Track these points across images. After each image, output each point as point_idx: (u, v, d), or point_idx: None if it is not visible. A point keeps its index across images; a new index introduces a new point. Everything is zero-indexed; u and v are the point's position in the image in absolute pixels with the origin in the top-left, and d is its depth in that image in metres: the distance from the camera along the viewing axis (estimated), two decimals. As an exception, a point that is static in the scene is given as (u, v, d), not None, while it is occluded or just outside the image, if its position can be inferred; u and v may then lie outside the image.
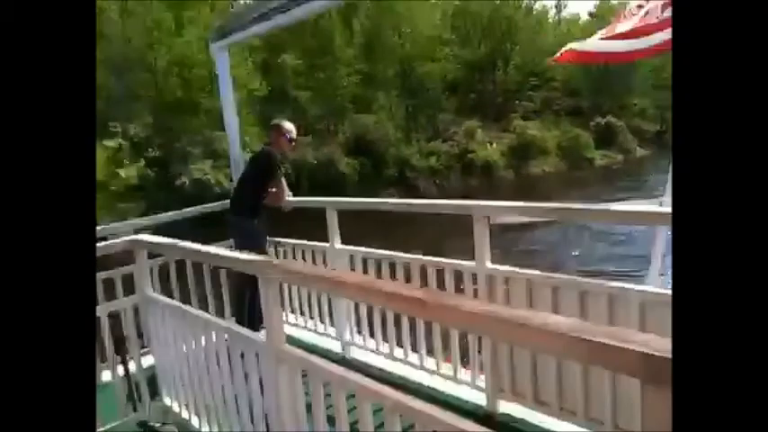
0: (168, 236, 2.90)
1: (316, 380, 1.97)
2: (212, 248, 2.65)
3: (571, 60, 4.45)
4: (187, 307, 2.91)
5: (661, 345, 0.97)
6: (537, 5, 48.62)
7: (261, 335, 2.28)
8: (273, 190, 4.50)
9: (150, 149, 27.43)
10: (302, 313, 4.64)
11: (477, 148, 35.56)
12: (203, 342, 2.69)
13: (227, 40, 4.72)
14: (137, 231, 3.75)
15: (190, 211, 4.94)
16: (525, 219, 3.30)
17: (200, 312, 2.82)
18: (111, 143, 25.91)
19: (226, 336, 2.53)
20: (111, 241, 3.13)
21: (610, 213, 2.82)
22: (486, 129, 37.16)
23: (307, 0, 3.73)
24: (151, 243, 3.04)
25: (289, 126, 4.61)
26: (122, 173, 25.25)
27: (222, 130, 21.77)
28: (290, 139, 4.60)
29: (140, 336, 3.16)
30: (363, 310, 3.96)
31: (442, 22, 40.63)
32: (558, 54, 4.45)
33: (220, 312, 4.69)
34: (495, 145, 36.36)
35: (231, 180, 4.85)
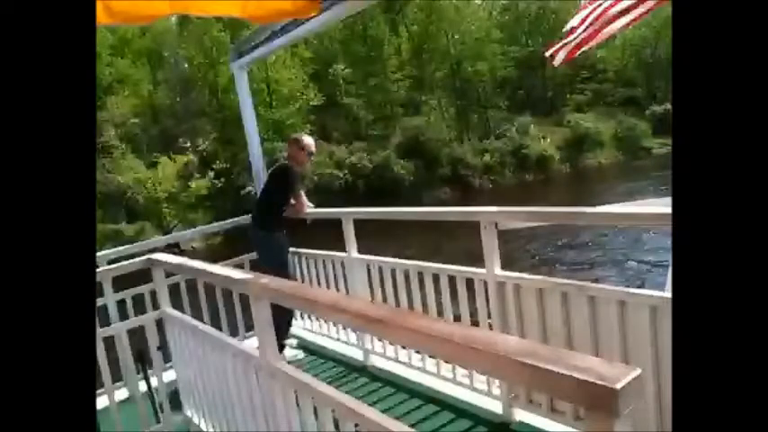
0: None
1: (305, 397, 1.99)
2: (211, 267, 2.68)
3: (571, 57, 4.27)
4: (198, 323, 2.94)
5: (606, 371, 0.92)
6: (584, -2, 47.91)
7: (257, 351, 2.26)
8: (293, 203, 4.51)
9: (217, 162, 28.28)
10: (326, 320, 4.63)
11: (530, 143, 34.93)
12: (215, 358, 2.70)
13: (244, 59, 4.78)
14: (170, 246, 3.81)
15: (213, 226, 5.04)
16: (533, 224, 3.17)
17: (210, 329, 2.84)
18: (180, 158, 27.04)
19: (231, 352, 2.53)
20: (129, 261, 3.20)
21: (615, 216, 2.66)
22: (539, 124, 36.57)
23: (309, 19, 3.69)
24: (164, 262, 3.08)
25: (308, 141, 4.62)
26: (192, 185, 26.28)
27: (281, 141, 22.29)
28: (309, 153, 4.59)
29: (160, 349, 3.21)
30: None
31: (489, 21, 40.31)
32: (557, 59, 4.28)
33: (234, 327, 4.74)
34: (548, 139, 35.63)
35: (255, 193, 4.87)
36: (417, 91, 37.00)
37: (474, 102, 38.09)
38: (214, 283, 3.39)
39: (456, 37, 37.57)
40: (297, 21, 3.90)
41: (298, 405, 2.04)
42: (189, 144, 28.87)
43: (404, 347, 3.81)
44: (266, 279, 2.25)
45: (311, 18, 3.57)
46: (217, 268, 2.65)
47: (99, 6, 2.98)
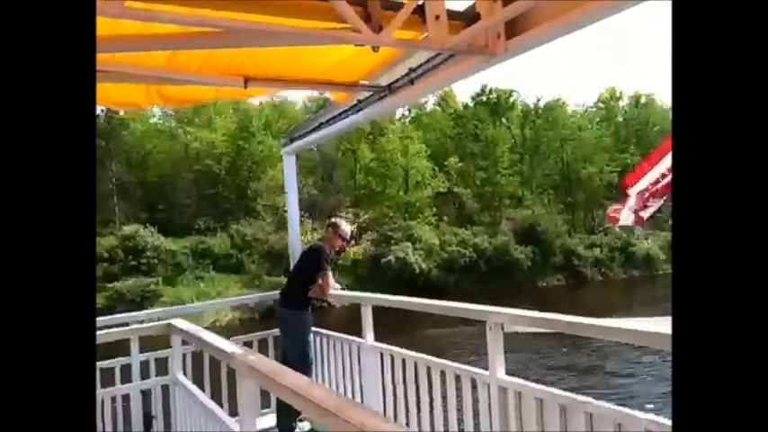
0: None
1: None
2: (210, 338, 2.58)
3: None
4: (199, 393, 2.78)
5: None
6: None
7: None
8: (320, 282, 4.07)
9: (369, 231, 30.08)
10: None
11: (636, 242, 34.37)
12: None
13: (293, 145, 4.65)
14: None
15: (229, 301, 4.92)
16: (541, 329, 2.71)
17: (207, 401, 2.72)
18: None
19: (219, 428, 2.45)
20: (148, 324, 3.12)
21: (627, 332, 2.15)
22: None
23: (357, 111, 3.60)
24: (181, 330, 2.98)
25: (345, 227, 4.30)
26: (351, 250, 28.03)
27: (412, 219, 22.86)
28: (343, 239, 4.28)
29: (166, 415, 3.04)
30: (390, 408, 3.48)
31: (599, 130, 41.21)
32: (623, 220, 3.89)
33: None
34: (650, 240, 34.71)
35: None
36: (522, 185, 37.87)
37: (582, 200, 38.39)
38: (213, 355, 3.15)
39: (567, 141, 38.64)
40: (342, 114, 3.80)
41: None
42: (349, 215, 30.04)
43: None
44: (254, 357, 2.05)
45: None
46: (216, 340, 2.52)
47: (153, 91, 3.15)
